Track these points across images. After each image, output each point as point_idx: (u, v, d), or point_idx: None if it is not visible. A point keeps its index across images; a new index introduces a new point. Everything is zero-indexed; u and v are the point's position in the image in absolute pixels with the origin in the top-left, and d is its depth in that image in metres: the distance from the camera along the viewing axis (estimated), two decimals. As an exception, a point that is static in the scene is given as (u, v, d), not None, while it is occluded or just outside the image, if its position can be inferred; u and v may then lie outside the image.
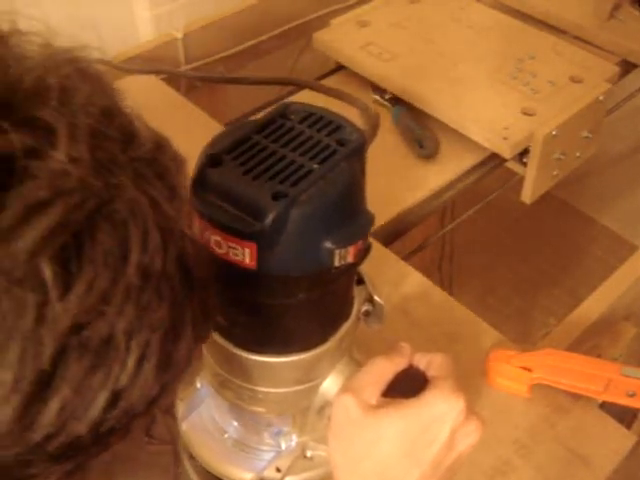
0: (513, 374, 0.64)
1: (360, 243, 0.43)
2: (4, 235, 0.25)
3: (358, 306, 0.50)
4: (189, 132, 0.91)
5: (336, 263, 0.41)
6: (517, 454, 0.60)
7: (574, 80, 0.97)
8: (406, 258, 0.78)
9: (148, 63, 1.04)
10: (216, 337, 0.47)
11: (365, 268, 0.74)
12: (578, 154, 0.96)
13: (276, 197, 0.39)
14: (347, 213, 0.42)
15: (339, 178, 0.41)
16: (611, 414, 0.64)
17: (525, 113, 0.91)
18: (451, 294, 0.72)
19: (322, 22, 1.13)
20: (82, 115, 0.28)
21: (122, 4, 1.15)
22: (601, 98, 0.93)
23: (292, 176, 0.41)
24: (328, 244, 0.40)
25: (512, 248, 1.59)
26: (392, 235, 0.83)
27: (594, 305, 0.72)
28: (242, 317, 0.45)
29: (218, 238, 0.40)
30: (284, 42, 1.20)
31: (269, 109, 0.46)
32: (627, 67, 1.05)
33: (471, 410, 0.45)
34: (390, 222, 0.84)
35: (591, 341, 0.73)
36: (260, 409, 0.50)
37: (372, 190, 0.86)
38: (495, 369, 0.65)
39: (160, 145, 0.32)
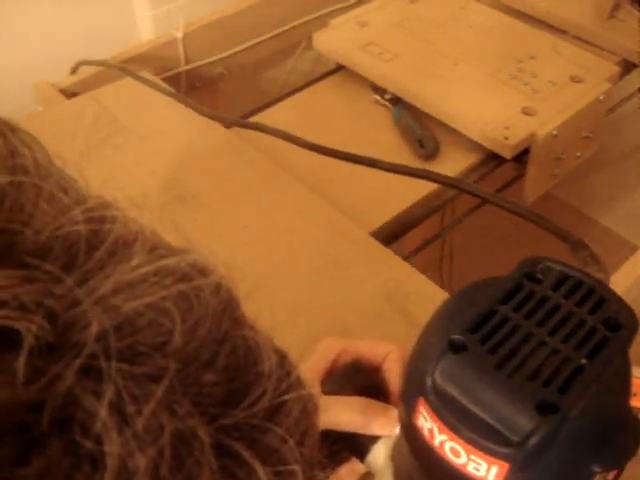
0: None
1: None
2: None
3: None
4: (189, 132, 0.91)
5: None
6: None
7: (574, 80, 0.97)
8: (406, 258, 0.78)
9: (148, 63, 1.04)
10: None
11: (366, 267, 0.74)
12: (578, 154, 0.96)
13: (542, 409, 0.30)
14: (619, 425, 0.33)
15: (614, 381, 0.32)
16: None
17: (525, 113, 0.91)
18: (451, 294, 0.72)
19: (322, 22, 1.13)
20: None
21: (122, 4, 1.15)
22: (601, 98, 0.93)
23: (558, 375, 0.31)
24: (594, 467, 0.32)
25: (512, 248, 1.58)
26: (392, 235, 0.83)
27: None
28: None
29: (457, 446, 0.32)
30: (284, 42, 1.20)
31: (516, 268, 0.36)
32: (627, 67, 1.05)
33: None
34: (390, 222, 0.84)
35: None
36: None
37: (372, 190, 0.86)
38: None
39: (280, 404, 0.22)
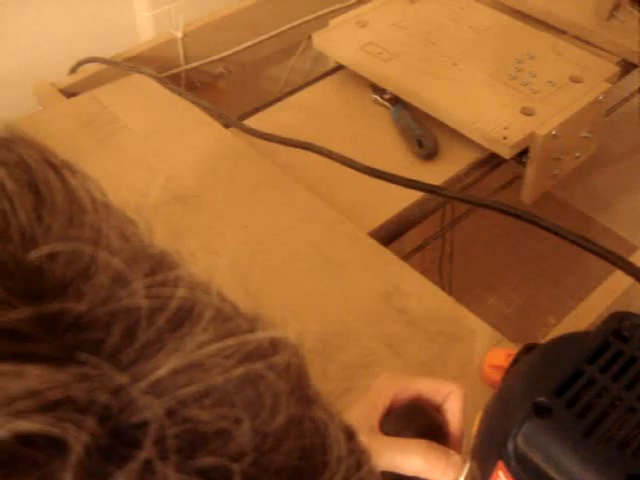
0: (513, 374, 0.64)
1: None
2: None
3: None
4: (189, 132, 0.91)
5: None
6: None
7: (574, 80, 0.97)
8: (406, 258, 0.78)
9: (148, 63, 1.04)
10: None
11: (365, 267, 0.74)
12: (578, 154, 0.96)
13: None
14: None
15: None
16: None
17: (525, 113, 0.91)
18: (451, 294, 0.72)
19: (322, 22, 1.13)
20: None
21: (122, 4, 1.15)
22: (601, 98, 0.93)
23: None
24: None
25: (512, 248, 1.59)
26: (392, 235, 0.83)
27: (594, 305, 0.72)
28: None
29: None
30: (284, 42, 1.20)
31: (601, 323, 0.35)
32: (627, 67, 1.05)
33: None
34: (390, 222, 0.84)
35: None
36: None
37: (372, 189, 0.86)
38: (494, 369, 0.65)
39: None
